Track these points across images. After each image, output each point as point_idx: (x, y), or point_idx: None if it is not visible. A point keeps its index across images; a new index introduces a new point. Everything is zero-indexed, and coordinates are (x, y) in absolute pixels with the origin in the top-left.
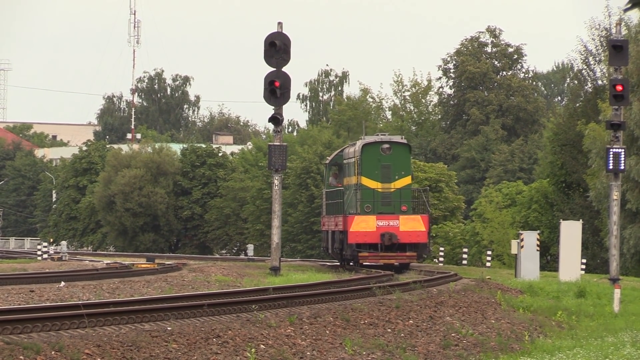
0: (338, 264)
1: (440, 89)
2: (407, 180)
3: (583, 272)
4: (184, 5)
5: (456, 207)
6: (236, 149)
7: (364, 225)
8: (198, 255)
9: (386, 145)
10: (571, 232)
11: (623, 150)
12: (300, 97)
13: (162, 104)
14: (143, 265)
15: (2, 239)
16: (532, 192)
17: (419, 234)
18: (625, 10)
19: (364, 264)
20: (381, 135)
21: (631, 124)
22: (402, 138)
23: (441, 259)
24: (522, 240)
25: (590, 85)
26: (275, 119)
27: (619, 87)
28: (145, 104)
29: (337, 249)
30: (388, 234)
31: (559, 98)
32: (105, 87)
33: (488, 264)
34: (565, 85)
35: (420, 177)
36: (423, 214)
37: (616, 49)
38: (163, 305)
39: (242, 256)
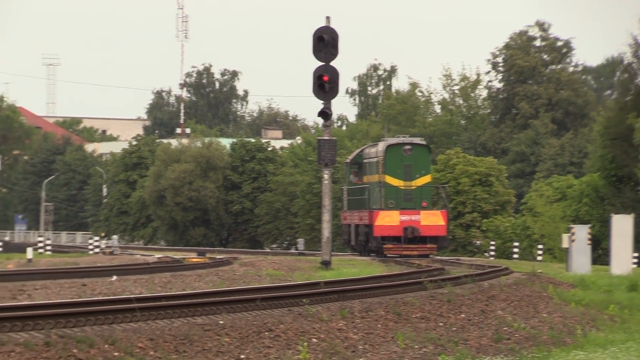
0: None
1: (489, 83)
2: (427, 178)
3: (635, 265)
4: (232, 0)
5: (506, 201)
6: (285, 143)
7: (388, 220)
8: (249, 250)
9: (408, 147)
10: (622, 226)
11: None
12: (349, 91)
13: (211, 98)
14: (194, 260)
15: (53, 233)
16: (582, 186)
17: (438, 228)
18: None
19: (388, 255)
20: (402, 137)
21: None
22: (422, 140)
23: (492, 253)
24: (573, 234)
25: None
26: (324, 114)
27: None
28: (194, 98)
29: (362, 241)
30: (410, 228)
31: (609, 92)
32: (154, 81)
33: (539, 257)
34: (615, 78)
35: (470, 171)
36: (442, 210)
37: None
38: (215, 299)
39: (292, 250)
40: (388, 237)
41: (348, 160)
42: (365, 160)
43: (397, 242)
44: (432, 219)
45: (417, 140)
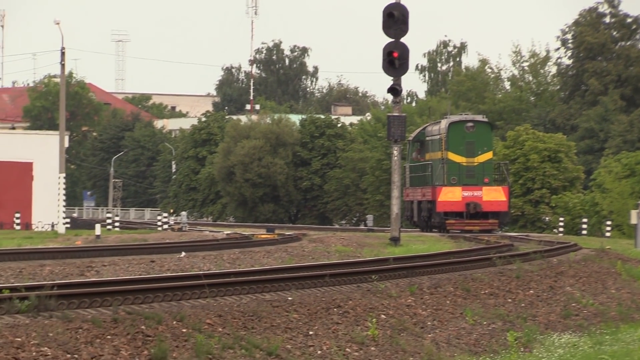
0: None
1: (559, 60)
2: (488, 155)
3: None
4: None
5: (575, 177)
6: (355, 119)
7: (450, 196)
8: (318, 226)
9: (470, 124)
10: None
11: None
12: (419, 67)
13: (281, 74)
14: (263, 236)
15: (122, 210)
16: None
17: (500, 203)
18: None
19: (450, 230)
20: (464, 114)
21: None
22: (483, 117)
23: (561, 229)
24: None
25: None
26: (394, 90)
27: None
28: (263, 74)
29: (425, 217)
30: (473, 204)
31: None
32: (224, 58)
33: (607, 234)
34: None
35: (539, 148)
36: (503, 186)
37: None
38: (284, 276)
39: (361, 227)
40: (451, 212)
41: (410, 138)
42: (427, 138)
43: (460, 218)
44: (493, 195)
45: (479, 117)
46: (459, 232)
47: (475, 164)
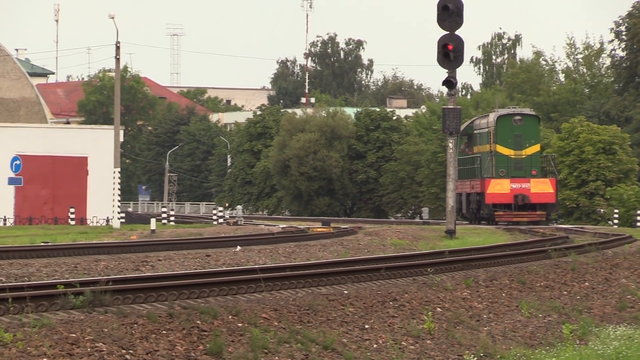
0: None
1: (613, 52)
2: (536, 147)
3: None
4: None
5: (630, 169)
6: (410, 112)
7: (499, 188)
8: (373, 219)
9: (518, 117)
10: None
11: None
12: (474, 60)
13: (336, 68)
14: (319, 229)
15: (177, 204)
16: None
17: (547, 195)
18: None
19: (499, 222)
20: (513, 108)
21: None
22: (531, 110)
23: (615, 221)
24: None
25: None
26: (449, 82)
27: None
28: (318, 68)
29: (473, 209)
30: (521, 195)
31: None
32: (279, 51)
33: None
34: None
35: (593, 140)
36: (551, 178)
37: None
38: (339, 269)
39: (417, 219)
40: (499, 204)
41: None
42: (475, 131)
43: (508, 210)
44: (541, 187)
45: (527, 110)
46: (506, 223)
47: (523, 156)
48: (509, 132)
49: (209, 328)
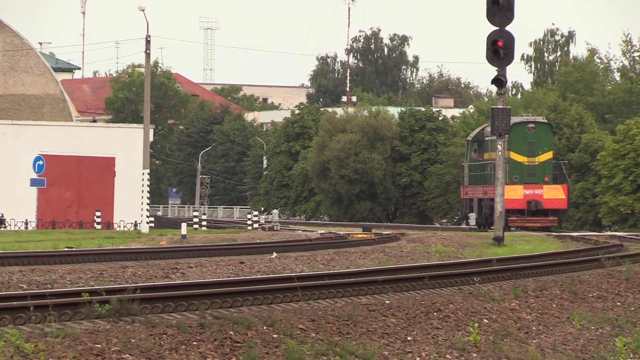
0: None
1: None
2: (549, 155)
3: None
4: None
5: None
6: (457, 112)
7: (512, 194)
8: (417, 225)
9: (531, 125)
10: None
11: None
12: (525, 57)
13: (379, 64)
14: (359, 236)
15: (209, 208)
16: None
17: (559, 201)
18: None
19: (512, 227)
20: (526, 116)
21: None
22: (543, 118)
23: None
24: None
25: None
26: (499, 81)
27: None
28: (360, 65)
29: (486, 214)
30: (534, 201)
31: None
32: (319, 47)
33: None
34: None
35: None
36: (563, 184)
37: None
38: (381, 278)
39: (463, 226)
40: (512, 210)
41: (469, 138)
42: (487, 138)
43: (521, 215)
44: (553, 193)
45: (540, 119)
46: (516, 229)
47: (536, 163)
48: (523, 139)
49: (242, 339)
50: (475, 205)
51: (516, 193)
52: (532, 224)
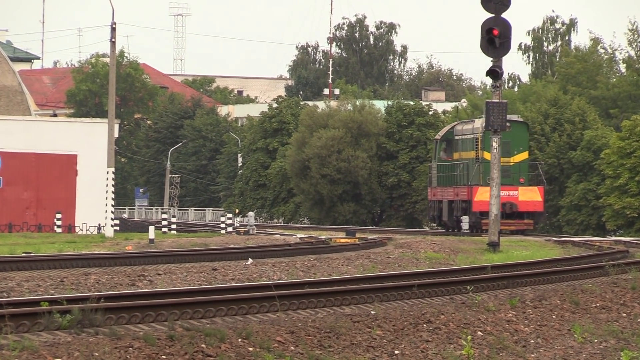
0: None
1: None
2: (524, 155)
3: None
4: None
5: None
6: (449, 106)
7: (486, 196)
8: (405, 229)
9: (506, 124)
10: None
11: None
12: (522, 47)
13: (364, 55)
14: (342, 240)
15: (179, 210)
16: None
17: (535, 204)
18: None
19: (485, 230)
20: None
21: None
22: (519, 117)
23: None
24: None
25: None
26: (494, 72)
27: None
28: (344, 55)
29: (458, 217)
30: (509, 204)
31: None
32: (299, 35)
33: None
34: None
35: None
36: (539, 186)
37: None
38: (366, 286)
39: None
40: (486, 212)
41: (438, 137)
42: (457, 137)
43: None
44: (529, 195)
45: (515, 117)
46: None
47: (511, 163)
48: None
49: (215, 352)
50: (445, 207)
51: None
52: (507, 227)
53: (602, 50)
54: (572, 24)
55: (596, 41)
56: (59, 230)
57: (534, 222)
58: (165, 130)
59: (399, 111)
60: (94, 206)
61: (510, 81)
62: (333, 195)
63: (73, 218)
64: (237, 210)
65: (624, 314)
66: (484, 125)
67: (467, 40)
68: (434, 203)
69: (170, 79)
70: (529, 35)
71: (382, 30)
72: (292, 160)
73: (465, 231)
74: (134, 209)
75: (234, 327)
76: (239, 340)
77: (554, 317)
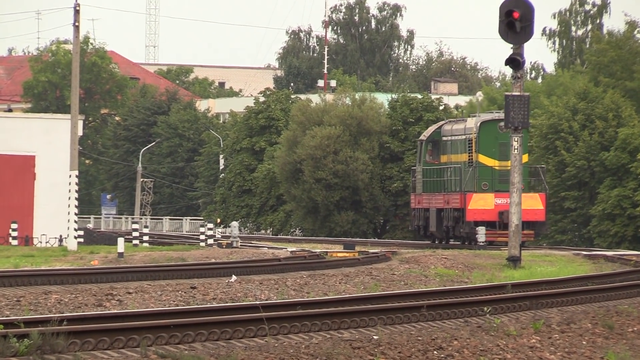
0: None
1: None
2: (524, 158)
3: None
4: None
5: None
6: (462, 100)
7: (482, 203)
8: (412, 241)
9: (503, 123)
10: None
11: None
12: (547, 32)
13: (364, 41)
14: (340, 254)
15: (152, 219)
16: None
17: (536, 212)
18: None
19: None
20: (496, 112)
21: None
22: None
23: None
24: None
25: None
26: (514, 61)
27: None
28: (341, 41)
29: (449, 227)
30: (506, 212)
31: None
32: (289, 19)
33: None
34: None
35: None
36: (540, 192)
37: None
38: (367, 307)
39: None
40: (481, 222)
41: (423, 138)
42: (445, 138)
43: (491, 229)
44: (529, 203)
45: None
46: (485, 244)
47: (509, 168)
48: (494, 140)
49: None
50: (433, 216)
51: (486, 202)
52: (504, 238)
53: (639, 36)
54: (604, 5)
55: (632, 25)
56: (14, 242)
57: (534, 232)
58: (136, 128)
59: (404, 106)
60: (54, 215)
61: (533, 71)
62: (329, 203)
63: (31, 228)
64: (218, 220)
65: None
66: (478, 125)
67: (483, 25)
68: (419, 211)
69: (142, 69)
70: (554, 18)
71: (385, 12)
72: (281, 162)
73: (482, 244)
74: (100, 218)
75: (215, 354)
76: None
77: (584, 342)
